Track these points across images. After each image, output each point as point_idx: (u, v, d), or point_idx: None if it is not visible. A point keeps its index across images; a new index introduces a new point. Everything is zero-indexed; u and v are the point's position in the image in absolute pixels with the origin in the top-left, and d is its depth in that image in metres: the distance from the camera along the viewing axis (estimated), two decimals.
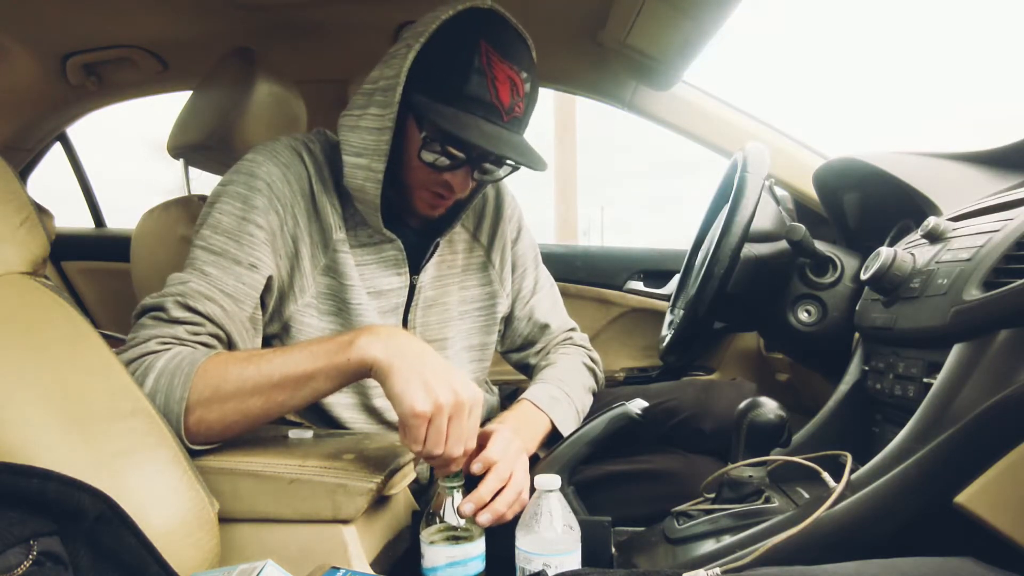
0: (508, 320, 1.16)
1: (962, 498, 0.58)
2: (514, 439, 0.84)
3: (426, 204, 0.95)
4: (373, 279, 0.98)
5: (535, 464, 0.90)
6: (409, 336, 0.78)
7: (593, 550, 0.75)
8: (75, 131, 1.98)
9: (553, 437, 0.98)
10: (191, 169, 1.43)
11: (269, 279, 0.89)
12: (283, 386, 0.76)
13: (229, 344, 0.85)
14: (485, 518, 0.75)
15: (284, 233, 0.91)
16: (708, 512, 0.81)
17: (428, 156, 0.89)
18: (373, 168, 0.89)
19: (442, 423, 0.71)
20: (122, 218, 2.09)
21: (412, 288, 1.02)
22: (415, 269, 1.02)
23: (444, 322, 1.06)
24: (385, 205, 0.94)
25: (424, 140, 0.88)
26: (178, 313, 0.81)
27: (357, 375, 0.76)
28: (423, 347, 0.76)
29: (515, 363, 1.22)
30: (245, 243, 0.87)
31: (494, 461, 0.80)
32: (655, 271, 1.88)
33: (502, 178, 0.97)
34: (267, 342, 0.94)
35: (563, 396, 1.03)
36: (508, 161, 0.91)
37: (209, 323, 0.83)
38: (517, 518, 0.74)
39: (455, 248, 1.07)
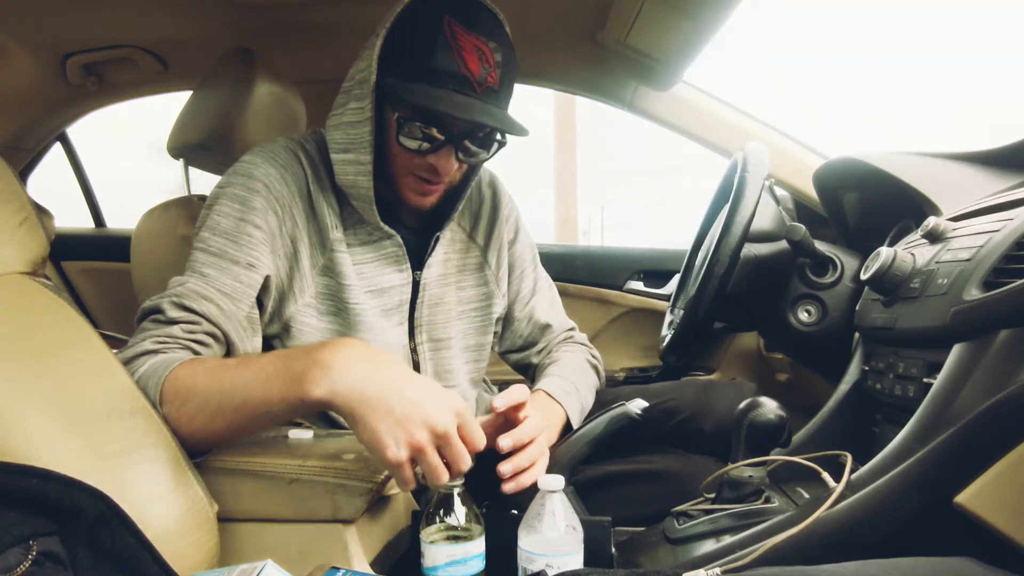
0: (507, 321, 1.16)
1: (962, 498, 0.58)
2: (536, 413, 0.85)
3: (414, 192, 0.94)
4: (374, 277, 0.98)
5: None
6: (366, 358, 0.69)
7: (593, 550, 0.75)
8: (75, 131, 1.99)
9: (565, 430, 0.99)
10: (191, 169, 1.43)
11: (267, 279, 0.89)
12: (242, 412, 0.72)
13: (227, 342, 0.85)
14: (507, 468, 0.78)
15: (283, 233, 0.91)
16: (708, 512, 0.81)
17: (407, 140, 0.88)
18: (361, 161, 0.89)
19: (432, 458, 0.67)
20: (122, 218, 2.09)
21: (416, 285, 1.01)
22: (417, 265, 1.01)
23: (447, 321, 1.05)
24: (380, 202, 0.94)
25: (399, 122, 0.87)
26: (174, 313, 0.81)
27: (315, 410, 0.72)
28: (384, 374, 0.68)
29: (515, 363, 1.22)
30: (243, 243, 0.87)
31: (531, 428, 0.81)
32: (655, 271, 1.88)
33: (489, 157, 0.96)
34: (268, 343, 0.94)
35: (573, 390, 1.03)
36: (496, 138, 0.91)
37: (205, 321, 0.82)
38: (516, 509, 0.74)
39: (454, 247, 1.07)
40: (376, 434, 0.66)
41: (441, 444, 0.67)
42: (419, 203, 0.95)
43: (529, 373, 1.19)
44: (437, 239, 1.02)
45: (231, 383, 0.72)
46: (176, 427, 0.73)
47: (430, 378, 0.73)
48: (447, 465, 0.69)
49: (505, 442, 0.78)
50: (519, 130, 0.89)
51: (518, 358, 1.20)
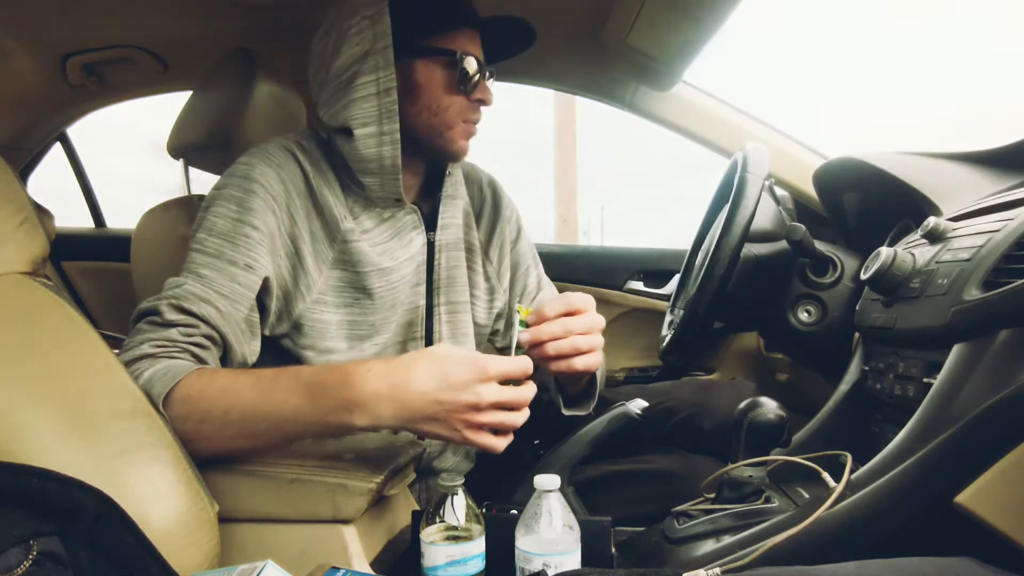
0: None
1: (962, 498, 0.58)
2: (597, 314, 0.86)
3: (464, 137, 0.98)
4: (397, 250, 0.99)
5: (534, 464, 0.90)
6: (394, 383, 0.72)
7: (593, 550, 0.75)
8: (75, 131, 1.98)
9: (588, 388, 1.00)
10: (191, 169, 1.43)
11: (267, 281, 0.89)
12: (273, 435, 0.76)
13: (224, 345, 0.85)
14: (525, 337, 0.81)
15: (282, 233, 0.91)
16: (708, 512, 0.81)
17: (471, 75, 0.94)
18: (387, 131, 0.91)
19: (494, 420, 0.73)
20: (122, 218, 2.09)
21: (431, 246, 1.03)
22: (430, 228, 1.03)
23: (462, 287, 1.06)
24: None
25: (460, 61, 0.93)
26: (172, 316, 0.81)
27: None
28: (410, 391, 0.72)
29: None
30: (241, 244, 0.87)
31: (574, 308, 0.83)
32: (655, 271, 1.88)
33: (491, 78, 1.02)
34: (278, 342, 0.94)
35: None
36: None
37: (204, 324, 0.82)
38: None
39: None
40: (435, 435, 0.74)
41: (489, 409, 0.73)
42: (464, 148, 1.00)
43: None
44: (440, 199, 1.03)
45: (255, 410, 0.74)
46: (187, 442, 0.72)
47: (438, 354, 0.74)
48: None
49: (524, 336, 0.81)
50: (526, 25, 1.01)
51: None
